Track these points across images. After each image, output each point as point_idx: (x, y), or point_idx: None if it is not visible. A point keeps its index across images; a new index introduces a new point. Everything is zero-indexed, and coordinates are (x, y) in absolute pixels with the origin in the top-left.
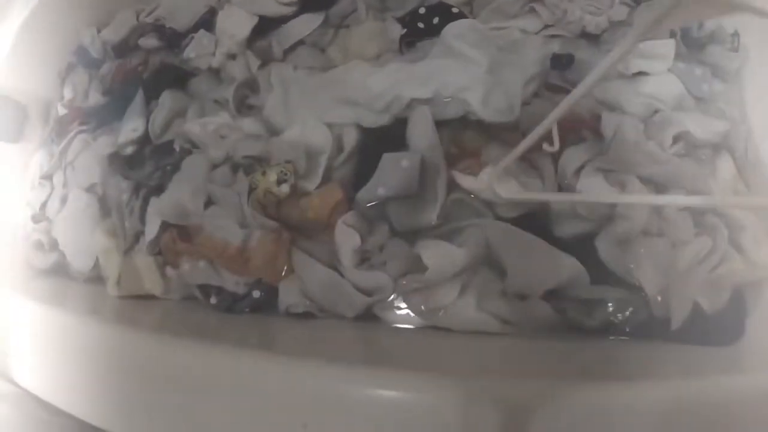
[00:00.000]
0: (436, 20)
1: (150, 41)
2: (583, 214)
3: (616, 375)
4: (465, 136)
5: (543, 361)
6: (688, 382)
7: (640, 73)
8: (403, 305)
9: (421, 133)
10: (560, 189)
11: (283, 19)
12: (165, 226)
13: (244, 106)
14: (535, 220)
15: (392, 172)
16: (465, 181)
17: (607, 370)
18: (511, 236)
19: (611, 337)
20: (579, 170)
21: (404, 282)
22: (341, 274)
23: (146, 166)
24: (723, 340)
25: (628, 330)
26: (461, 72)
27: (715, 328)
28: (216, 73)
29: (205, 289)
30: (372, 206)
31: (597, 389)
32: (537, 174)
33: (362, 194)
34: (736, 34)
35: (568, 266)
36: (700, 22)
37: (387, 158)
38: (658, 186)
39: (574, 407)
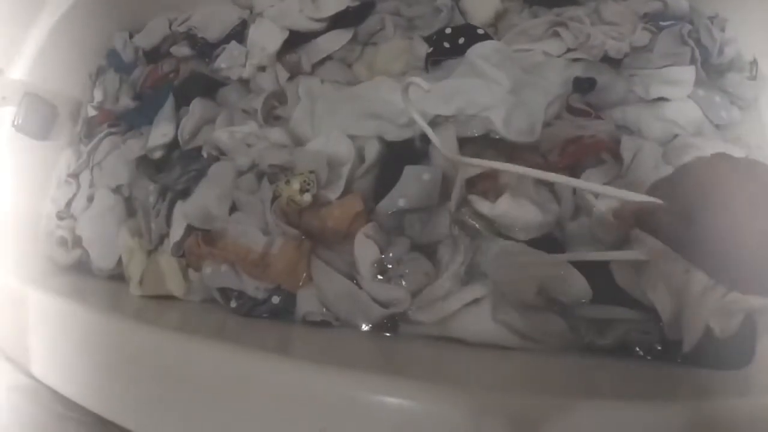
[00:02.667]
0: (461, 40)
1: (182, 49)
2: (600, 236)
3: (626, 395)
4: (486, 154)
5: (555, 377)
6: (697, 404)
7: (661, 99)
8: (419, 317)
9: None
10: (577, 210)
11: (312, 34)
12: (190, 229)
13: (271, 117)
14: (550, 243)
15: (413, 184)
16: (482, 206)
17: (618, 389)
18: (506, 249)
19: (624, 357)
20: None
21: (421, 295)
22: (359, 285)
23: (174, 171)
24: (733, 364)
25: (640, 351)
26: (485, 91)
27: (726, 352)
28: (245, 83)
29: (226, 293)
30: (391, 218)
31: (607, 408)
32: (554, 197)
33: (383, 204)
34: (754, 62)
35: (561, 263)
36: (721, 49)
37: (409, 171)
38: None
39: (584, 424)
